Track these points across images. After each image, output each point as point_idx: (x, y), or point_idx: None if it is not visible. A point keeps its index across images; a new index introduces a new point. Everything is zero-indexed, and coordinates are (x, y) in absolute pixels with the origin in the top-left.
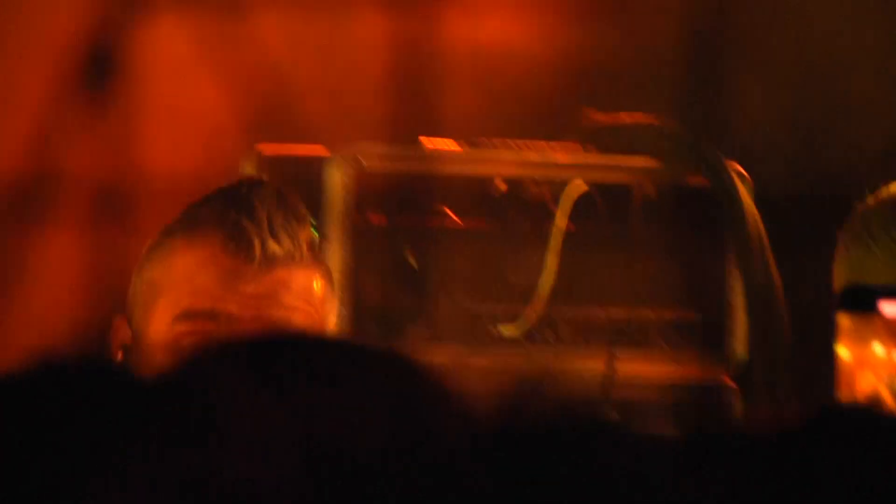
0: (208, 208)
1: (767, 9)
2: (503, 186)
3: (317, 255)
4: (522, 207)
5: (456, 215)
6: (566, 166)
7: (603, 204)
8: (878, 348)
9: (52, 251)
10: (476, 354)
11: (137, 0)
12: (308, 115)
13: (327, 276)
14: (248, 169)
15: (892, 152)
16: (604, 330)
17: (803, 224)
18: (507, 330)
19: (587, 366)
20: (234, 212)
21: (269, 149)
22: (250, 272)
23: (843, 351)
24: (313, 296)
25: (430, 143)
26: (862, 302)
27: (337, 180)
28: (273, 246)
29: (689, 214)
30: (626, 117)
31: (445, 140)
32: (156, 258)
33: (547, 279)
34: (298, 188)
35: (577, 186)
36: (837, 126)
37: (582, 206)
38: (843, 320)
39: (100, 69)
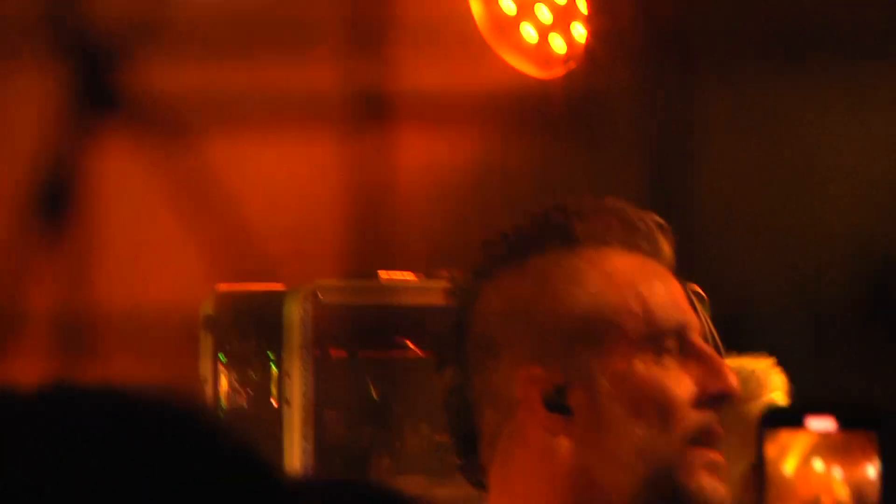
0: (594, 221)
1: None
2: None
3: None
4: None
5: (416, 346)
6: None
7: None
8: (817, 463)
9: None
10: (441, 485)
11: (92, 135)
12: (266, 252)
13: None
14: (208, 307)
15: None
16: None
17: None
18: None
19: None
20: (622, 217)
21: (229, 287)
22: (664, 271)
23: (774, 467)
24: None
25: (389, 275)
26: (789, 419)
27: (295, 315)
28: (664, 240)
29: None
30: None
31: (403, 272)
32: (566, 286)
33: None
34: (259, 325)
35: None
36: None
37: None
38: (770, 437)
39: (56, 203)
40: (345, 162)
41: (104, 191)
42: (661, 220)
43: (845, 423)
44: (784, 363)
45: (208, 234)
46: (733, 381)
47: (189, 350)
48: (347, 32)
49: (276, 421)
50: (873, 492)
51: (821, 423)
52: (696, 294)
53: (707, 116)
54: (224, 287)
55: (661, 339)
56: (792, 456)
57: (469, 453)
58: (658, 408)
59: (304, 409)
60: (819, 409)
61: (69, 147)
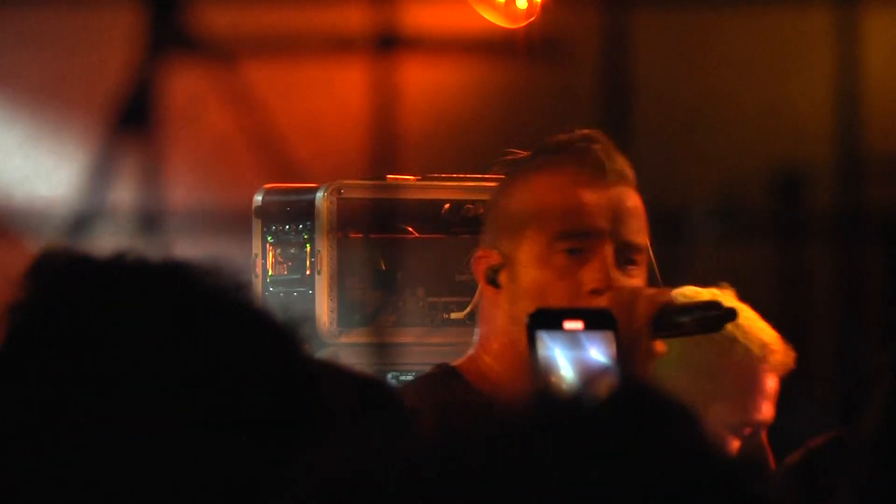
0: (550, 149)
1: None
2: (447, 207)
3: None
4: (464, 222)
5: (415, 230)
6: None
7: None
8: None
9: None
10: (433, 335)
11: (165, 62)
12: (302, 158)
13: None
14: (258, 199)
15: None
16: None
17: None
18: (456, 315)
19: None
20: (580, 143)
21: (275, 184)
22: (602, 187)
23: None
24: (640, 210)
25: (395, 177)
26: (550, 322)
27: (324, 206)
28: (616, 164)
29: None
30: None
31: (406, 175)
32: (514, 192)
33: None
34: (297, 213)
35: None
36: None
37: None
38: (538, 336)
39: (137, 115)
40: (364, 87)
41: (174, 106)
42: (614, 148)
43: (589, 325)
44: (699, 253)
45: (259, 143)
46: (607, 279)
47: (244, 233)
48: None
49: (310, 285)
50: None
51: (573, 325)
52: None
53: (645, 48)
54: (270, 184)
55: (557, 241)
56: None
57: None
58: (542, 293)
59: (331, 277)
60: (571, 315)
61: (147, 70)
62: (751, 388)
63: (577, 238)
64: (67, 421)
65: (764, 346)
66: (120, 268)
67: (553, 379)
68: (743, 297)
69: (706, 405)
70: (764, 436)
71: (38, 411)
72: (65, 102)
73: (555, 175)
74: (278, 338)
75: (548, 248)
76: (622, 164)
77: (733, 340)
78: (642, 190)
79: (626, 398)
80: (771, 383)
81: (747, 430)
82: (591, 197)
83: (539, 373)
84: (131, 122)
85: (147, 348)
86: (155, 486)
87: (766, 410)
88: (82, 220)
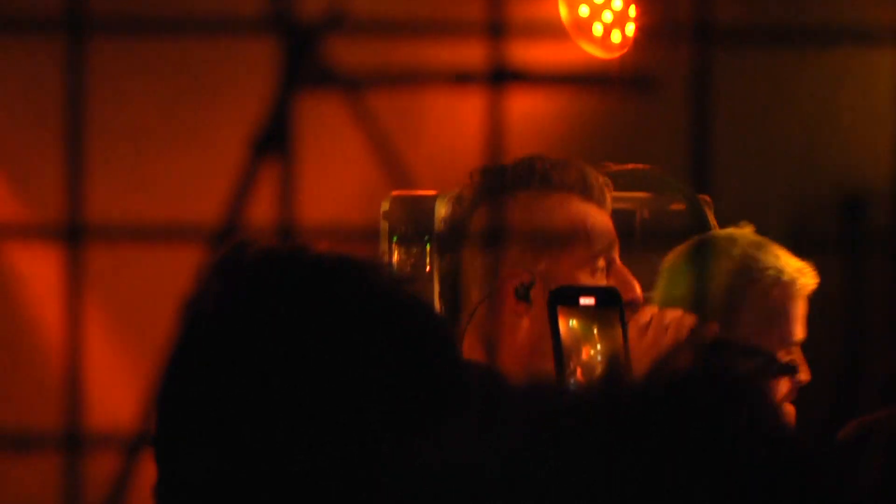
0: (547, 173)
1: (739, 109)
2: None
3: None
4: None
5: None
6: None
7: (616, 223)
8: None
9: None
10: None
11: (299, 94)
12: (423, 171)
13: None
14: (386, 205)
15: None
16: None
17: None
18: None
19: None
20: (575, 171)
21: (400, 192)
22: (605, 208)
23: (565, 332)
24: None
25: None
26: (568, 298)
27: (443, 212)
28: (606, 187)
29: (671, 228)
30: (631, 167)
31: None
32: (542, 215)
33: None
34: (418, 218)
35: None
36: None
37: None
38: (560, 311)
39: (273, 142)
40: (477, 115)
41: (307, 134)
42: (608, 180)
43: (600, 302)
44: None
45: (385, 160)
46: (637, 291)
47: (370, 238)
48: (481, 26)
49: (429, 281)
50: (619, 346)
51: (587, 301)
52: (705, 202)
53: (725, 83)
54: (396, 192)
55: (596, 258)
56: (572, 323)
57: (451, 315)
58: None
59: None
60: (585, 293)
61: (282, 102)
62: (792, 310)
63: (609, 253)
64: (261, 399)
65: (797, 270)
66: (301, 261)
67: (579, 355)
68: (810, 308)
69: (755, 334)
70: (799, 352)
71: (231, 391)
72: (209, 127)
73: (573, 200)
74: (437, 324)
75: (589, 263)
76: (608, 194)
77: (777, 271)
78: (722, 211)
79: (698, 379)
80: (804, 304)
81: (793, 349)
82: (606, 216)
83: (563, 347)
84: (270, 145)
85: (331, 331)
86: (330, 457)
87: (802, 330)
88: (227, 232)
